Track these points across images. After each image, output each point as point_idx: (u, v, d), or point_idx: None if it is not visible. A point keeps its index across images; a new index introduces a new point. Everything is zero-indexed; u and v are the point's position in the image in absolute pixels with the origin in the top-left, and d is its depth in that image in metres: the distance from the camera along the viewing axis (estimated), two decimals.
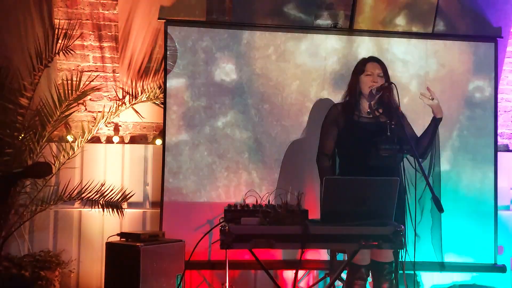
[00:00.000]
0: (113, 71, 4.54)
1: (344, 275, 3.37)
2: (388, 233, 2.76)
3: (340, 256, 3.98)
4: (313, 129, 3.95)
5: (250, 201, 3.04)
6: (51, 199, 4.14)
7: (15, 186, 3.90)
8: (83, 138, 4.26)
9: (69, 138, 4.36)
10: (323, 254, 4.19)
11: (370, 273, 3.28)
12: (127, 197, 4.26)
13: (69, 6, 4.50)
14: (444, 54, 4.46)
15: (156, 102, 4.46)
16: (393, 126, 3.12)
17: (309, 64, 4.34)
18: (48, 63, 4.06)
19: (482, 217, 4.40)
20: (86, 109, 4.51)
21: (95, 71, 4.51)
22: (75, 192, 4.15)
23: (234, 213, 2.88)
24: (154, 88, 4.45)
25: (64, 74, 4.43)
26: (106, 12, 4.54)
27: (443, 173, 4.38)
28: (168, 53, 4.22)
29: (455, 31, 4.65)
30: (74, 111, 4.28)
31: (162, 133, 4.26)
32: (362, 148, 3.23)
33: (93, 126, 4.33)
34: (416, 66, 4.42)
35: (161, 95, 4.32)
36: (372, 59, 3.42)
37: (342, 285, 3.91)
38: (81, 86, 4.13)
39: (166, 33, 4.23)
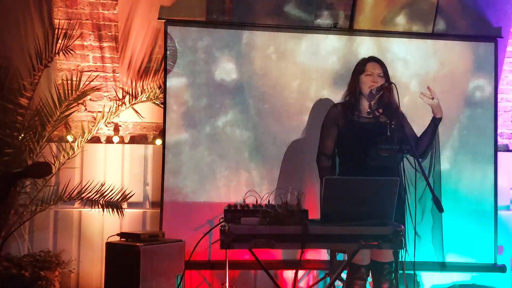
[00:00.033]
0: (113, 71, 4.53)
1: (344, 275, 3.37)
2: (388, 233, 2.75)
3: (340, 256, 3.98)
4: (313, 129, 3.95)
5: (250, 201, 3.04)
6: (51, 199, 4.14)
7: (15, 186, 3.90)
8: (83, 138, 4.25)
9: (69, 138, 4.36)
10: (323, 254, 4.19)
11: (370, 273, 3.27)
12: (127, 197, 4.26)
13: (69, 6, 4.50)
14: (444, 54, 4.46)
15: (156, 102, 4.45)
16: (393, 126, 3.12)
17: (309, 64, 4.34)
18: (48, 63, 4.06)
19: (482, 217, 4.40)
20: (86, 109, 4.51)
21: (95, 71, 4.51)
22: (75, 192, 4.15)
23: (234, 213, 2.87)
24: (154, 88, 4.45)
25: (64, 74, 4.43)
26: (106, 12, 4.54)
27: (443, 173, 4.38)
28: (168, 53, 4.22)
29: (455, 30, 4.65)
30: (74, 111, 4.28)
31: (162, 133, 4.26)
32: (362, 148, 3.23)
33: (93, 126, 4.33)
34: (416, 65, 4.42)
35: (161, 95, 4.32)
36: (372, 59, 3.42)
37: (342, 285, 3.91)
38: (81, 86, 4.13)
39: (166, 33, 4.23)
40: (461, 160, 4.44)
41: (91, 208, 4.17)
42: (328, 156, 3.41)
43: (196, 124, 4.24)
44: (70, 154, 4.20)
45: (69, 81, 4.11)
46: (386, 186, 2.82)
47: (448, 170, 4.40)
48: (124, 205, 4.27)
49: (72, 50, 4.16)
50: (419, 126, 3.45)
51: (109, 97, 4.52)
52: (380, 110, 3.34)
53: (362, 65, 3.39)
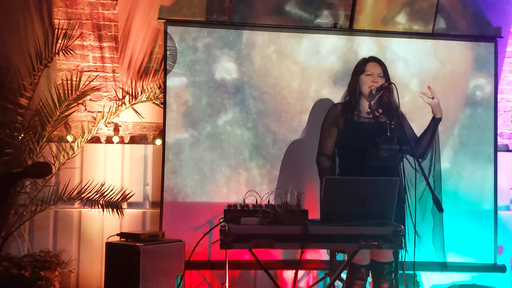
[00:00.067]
0: (113, 71, 4.53)
1: (344, 275, 3.37)
2: (388, 233, 2.76)
3: (340, 256, 3.98)
4: (313, 129, 3.95)
5: (250, 201, 3.04)
6: (51, 199, 4.14)
7: (15, 186, 3.89)
8: (83, 138, 4.25)
9: (69, 138, 4.36)
10: (323, 254, 4.18)
11: (370, 273, 3.27)
12: (127, 197, 4.26)
13: (69, 6, 4.50)
14: (444, 54, 4.46)
15: (156, 102, 4.45)
16: (393, 126, 3.12)
17: (309, 63, 4.34)
18: (48, 63, 4.05)
19: (482, 217, 4.40)
20: (86, 109, 4.51)
21: (95, 71, 4.51)
22: (75, 192, 4.15)
23: (234, 213, 2.88)
24: (154, 88, 4.44)
25: (64, 74, 4.43)
26: (106, 12, 4.53)
27: (443, 173, 4.37)
28: (168, 53, 4.22)
29: (455, 30, 4.65)
30: (74, 111, 4.28)
31: (162, 133, 4.26)
32: (362, 148, 3.23)
33: (93, 126, 4.33)
34: (416, 65, 4.42)
35: (161, 95, 4.32)
36: (372, 59, 3.42)
37: (342, 285, 3.91)
38: (81, 86, 4.13)
39: (166, 33, 4.23)
40: (461, 160, 4.44)
41: (91, 208, 4.17)
42: (328, 156, 3.41)
43: (196, 124, 4.24)
44: (70, 154, 4.19)
45: (69, 81, 4.11)
46: (386, 186, 2.82)
47: (448, 170, 4.40)
48: (124, 205, 4.27)
49: (72, 50, 4.16)
50: (419, 126, 3.45)
51: (109, 97, 4.52)
52: (380, 110, 3.34)
53: (362, 65, 3.39)
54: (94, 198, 4.15)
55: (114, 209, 4.15)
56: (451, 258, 4.33)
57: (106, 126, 4.49)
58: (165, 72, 4.22)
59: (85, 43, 4.52)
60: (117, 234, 3.73)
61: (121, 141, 4.51)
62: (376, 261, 3.22)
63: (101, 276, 4.19)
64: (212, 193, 4.21)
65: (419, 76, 4.41)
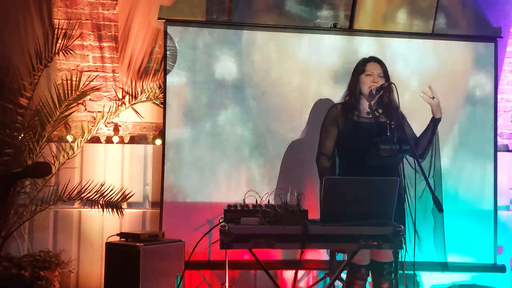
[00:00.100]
0: (113, 71, 4.53)
1: (344, 275, 3.37)
2: (388, 233, 2.76)
3: (340, 256, 3.97)
4: (313, 129, 3.95)
5: (250, 201, 3.03)
6: (51, 199, 4.14)
7: (15, 186, 3.89)
8: (82, 138, 4.25)
9: (69, 138, 4.36)
10: (323, 254, 4.18)
11: (370, 273, 3.27)
12: (127, 197, 4.26)
13: (69, 6, 4.50)
14: (444, 53, 4.46)
15: (156, 102, 4.45)
16: (393, 126, 3.12)
17: (309, 63, 4.34)
18: (48, 63, 4.06)
19: (482, 217, 4.40)
20: (85, 109, 4.51)
21: (94, 71, 4.51)
22: (75, 192, 4.15)
23: (234, 213, 2.88)
24: (154, 88, 4.44)
25: (64, 74, 4.43)
26: (106, 12, 4.53)
27: (443, 173, 4.37)
28: (168, 52, 4.22)
29: (455, 29, 4.65)
30: (74, 111, 4.28)
31: (162, 133, 4.26)
32: (362, 148, 3.22)
33: (92, 126, 4.33)
34: (416, 64, 4.42)
35: (161, 95, 4.32)
36: (372, 59, 3.41)
37: (342, 285, 3.91)
38: (81, 86, 4.13)
39: (166, 33, 4.22)
40: (461, 160, 4.43)
41: (91, 208, 4.17)
42: (328, 156, 3.41)
43: (196, 124, 4.24)
44: (70, 154, 4.19)
45: (68, 81, 4.11)
46: (386, 186, 2.82)
47: (448, 170, 4.40)
48: (124, 205, 4.27)
49: (72, 50, 4.16)
50: (419, 126, 3.45)
51: (109, 97, 4.52)
52: (380, 110, 3.34)
53: (362, 65, 3.39)
54: (94, 198, 4.15)
55: (114, 209, 4.15)
56: (451, 258, 4.33)
57: (106, 126, 4.49)
58: (165, 72, 4.22)
59: (85, 43, 4.52)
60: (117, 234, 3.73)
61: (121, 141, 4.51)
62: (376, 261, 3.22)
63: (101, 276, 4.18)
64: (212, 193, 4.21)
65: (419, 75, 4.41)
